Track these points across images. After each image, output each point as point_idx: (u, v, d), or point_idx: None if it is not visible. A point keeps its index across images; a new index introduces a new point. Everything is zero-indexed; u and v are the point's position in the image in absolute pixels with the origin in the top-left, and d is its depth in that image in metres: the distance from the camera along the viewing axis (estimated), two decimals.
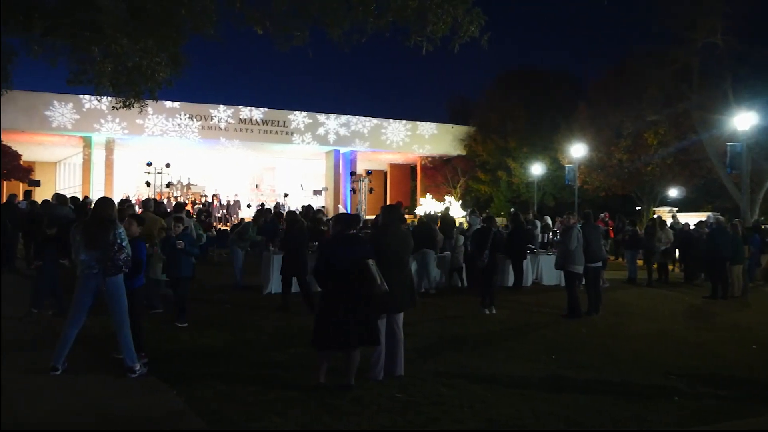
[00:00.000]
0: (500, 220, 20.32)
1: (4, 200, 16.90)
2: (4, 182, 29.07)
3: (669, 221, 17.87)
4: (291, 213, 11.65)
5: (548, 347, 7.50)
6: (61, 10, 9.29)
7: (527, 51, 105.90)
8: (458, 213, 26.07)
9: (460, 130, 36.00)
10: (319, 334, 5.44)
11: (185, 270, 8.23)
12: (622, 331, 8.85)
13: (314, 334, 5.48)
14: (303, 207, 14.85)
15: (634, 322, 9.55)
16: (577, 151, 25.64)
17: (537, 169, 30.43)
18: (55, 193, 14.25)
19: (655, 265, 14.60)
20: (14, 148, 27.56)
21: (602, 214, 21.34)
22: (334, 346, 5.43)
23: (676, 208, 27.39)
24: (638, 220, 23.61)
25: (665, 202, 31.01)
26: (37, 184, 23.81)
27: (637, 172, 27.92)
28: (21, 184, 26.72)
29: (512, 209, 25.46)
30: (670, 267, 15.90)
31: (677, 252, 16.35)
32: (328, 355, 5.49)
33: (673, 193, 31.19)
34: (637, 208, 31.69)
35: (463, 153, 35.44)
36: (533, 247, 14.22)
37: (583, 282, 10.15)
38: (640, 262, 15.11)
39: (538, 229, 16.41)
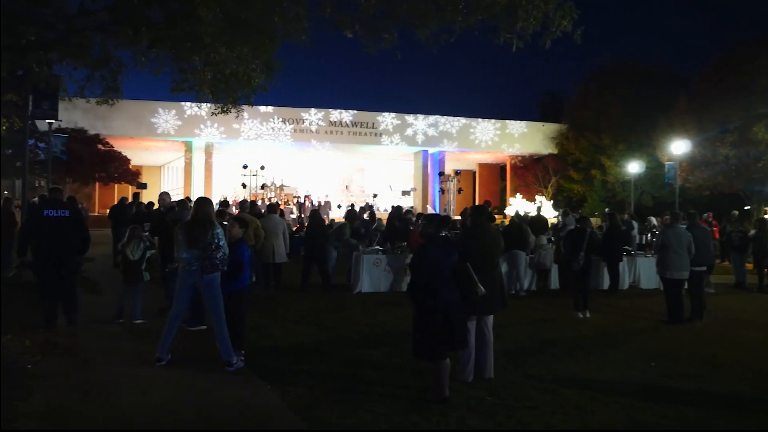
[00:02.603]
0: (594, 221, 19.60)
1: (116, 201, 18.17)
2: (115, 185, 31.23)
3: None
4: (314, 210, 13.21)
5: (646, 354, 7.15)
6: (165, 23, 9.87)
7: (622, 44, 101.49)
8: (550, 213, 25.38)
9: (551, 128, 35.08)
10: (423, 344, 5.12)
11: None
12: (728, 339, 8.28)
13: (416, 344, 5.17)
14: (392, 207, 14.97)
15: (742, 330, 8.91)
16: (678, 147, 24.23)
17: (634, 167, 29.09)
18: (184, 198, 15.12)
19: (766, 269, 13.57)
20: (124, 154, 29.60)
21: (706, 214, 20.09)
22: (443, 354, 5.11)
23: None
24: (746, 219, 22.02)
25: None
26: (144, 186, 25.41)
27: (745, 169, 26.01)
28: (130, 187, 28.67)
29: (607, 209, 24.49)
30: None
31: None
32: (446, 362, 5.14)
33: None
34: (746, 207, 29.57)
35: (555, 151, 34.52)
36: (630, 248, 13.61)
37: (685, 286, 9.59)
38: (749, 266, 14.10)
39: (635, 229, 15.68)
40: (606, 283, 12.39)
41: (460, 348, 5.36)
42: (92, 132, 27.46)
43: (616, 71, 34.24)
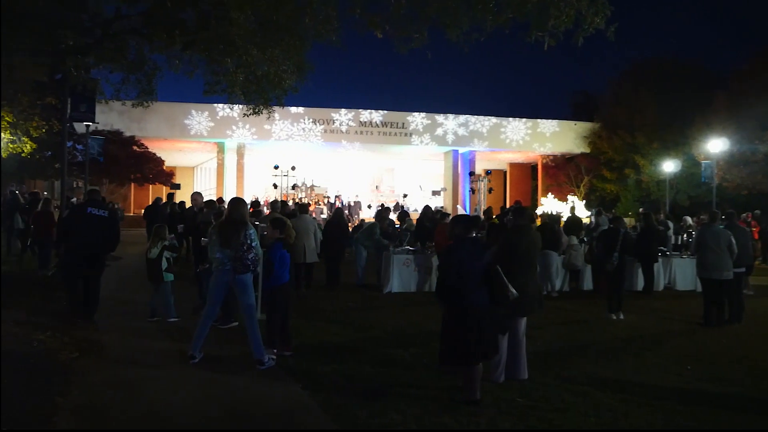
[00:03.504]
0: (628, 221, 19.25)
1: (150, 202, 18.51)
2: (150, 186, 31.83)
3: None
4: (337, 209, 13.69)
5: (683, 357, 7.00)
6: (199, 25, 10.02)
7: (656, 41, 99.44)
8: (582, 213, 25.01)
9: (583, 126, 34.57)
10: (451, 349, 5.06)
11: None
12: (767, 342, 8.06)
13: (444, 350, 5.12)
14: (423, 207, 14.95)
15: None
16: (715, 145, 23.64)
17: (669, 166, 28.46)
18: (211, 199, 15.36)
19: None
20: (158, 155, 30.16)
21: (744, 214, 19.57)
22: (470, 361, 5.03)
23: None
24: None
25: None
26: (178, 187, 25.82)
27: None
28: (164, 188, 29.20)
29: (641, 209, 24.02)
30: None
31: None
32: (478, 367, 5.08)
33: None
34: None
35: (587, 150, 34.00)
36: (665, 249, 13.33)
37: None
38: None
39: (671, 230, 15.36)
40: (640, 284, 12.17)
41: (492, 356, 5.29)
42: (128, 134, 28.03)
43: (651, 68, 33.55)
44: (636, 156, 31.78)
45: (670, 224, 15.63)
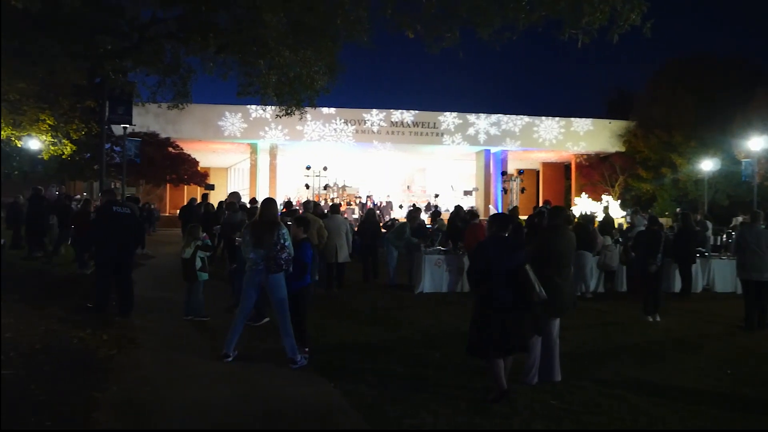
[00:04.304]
0: (664, 221, 18.83)
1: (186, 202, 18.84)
2: (185, 186, 32.39)
3: None
4: (369, 210, 14.43)
5: (722, 360, 6.82)
6: (232, 28, 10.18)
7: (694, 37, 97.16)
8: (617, 213, 24.58)
9: (618, 125, 33.98)
10: (476, 341, 5.20)
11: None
12: None
13: (470, 341, 5.26)
14: (455, 207, 14.89)
15: None
16: (756, 143, 22.98)
17: (707, 165, 27.79)
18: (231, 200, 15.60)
19: None
20: (193, 156, 30.67)
21: None
22: (492, 353, 5.14)
23: None
24: None
25: None
26: (212, 188, 26.23)
27: None
28: (199, 188, 29.67)
29: (678, 209, 23.49)
30: None
31: None
32: (500, 361, 5.15)
33: None
34: None
35: (622, 149, 33.41)
36: (704, 250, 13.01)
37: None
38: None
39: (710, 230, 14.99)
40: (677, 285, 11.89)
41: (518, 352, 5.27)
42: (163, 135, 28.57)
43: (688, 65, 32.75)
44: (673, 155, 31.09)
45: (709, 224, 15.26)
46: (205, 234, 8.82)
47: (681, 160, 30.85)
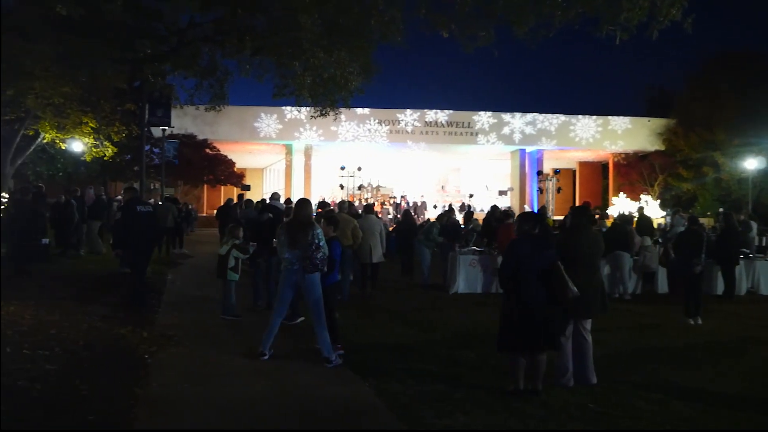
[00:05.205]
0: (706, 221, 18.35)
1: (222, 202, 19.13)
2: (222, 187, 32.90)
3: None
4: (406, 211, 15.13)
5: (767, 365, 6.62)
6: (268, 31, 10.31)
7: (736, 32, 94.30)
8: (656, 213, 24.05)
9: (657, 123, 33.23)
10: (503, 337, 5.31)
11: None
12: None
13: (499, 337, 5.36)
14: (491, 207, 14.82)
15: None
16: None
17: (751, 164, 26.96)
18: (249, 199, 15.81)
19: None
20: (230, 157, 31.14)
21: None
22: (518, 349, 5.24)
23: None
24: None
25: None
26: (248, 188, 26.53)
27: None
28: (235, 189, 30.11)
29: (721, 209, 22.84)
30: None
31: None
32: (520, 359, 5.26)
33: None
34: None
35: (662, 148, 32.64)
36: (748, 251, 12.63)
37: None
38: None
39: (754, 230, 14.53)
40: (720, 288, 11.57)
41: (547, 349, 5.26)
42: (201, 137, 29.08)
43: (731, 61, 31.78)
44: (715, 153, 30.24)
45: (753, 225, 14.79)
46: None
47: (723, 159, 29.99)
